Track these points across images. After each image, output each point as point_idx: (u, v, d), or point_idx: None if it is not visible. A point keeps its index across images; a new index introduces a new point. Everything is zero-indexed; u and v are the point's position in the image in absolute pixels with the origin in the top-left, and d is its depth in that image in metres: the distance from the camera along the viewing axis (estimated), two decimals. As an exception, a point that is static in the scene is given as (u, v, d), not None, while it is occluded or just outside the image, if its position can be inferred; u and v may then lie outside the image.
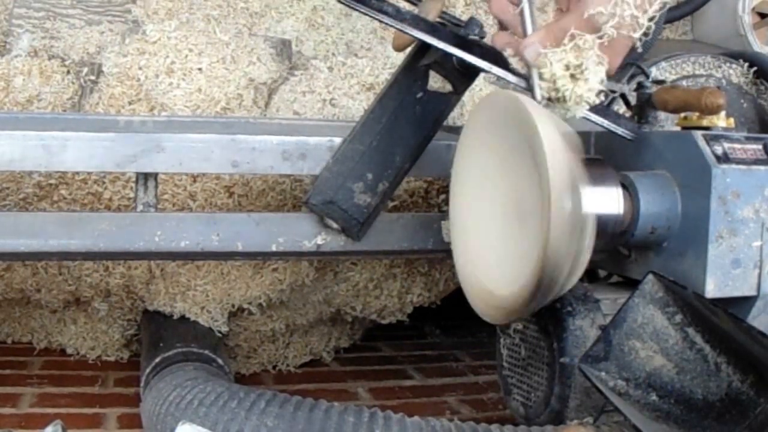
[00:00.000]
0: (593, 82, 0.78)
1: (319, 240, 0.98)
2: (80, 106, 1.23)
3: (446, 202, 1.04)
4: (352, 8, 0.83)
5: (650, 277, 0.82)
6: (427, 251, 1.04)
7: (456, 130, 0.99)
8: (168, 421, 0.86)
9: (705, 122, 0.90)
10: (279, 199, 1.16)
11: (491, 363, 1.33)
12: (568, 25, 0.77)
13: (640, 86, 0.98)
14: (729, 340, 0.78)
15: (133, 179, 0.99)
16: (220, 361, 1.09)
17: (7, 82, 1.21)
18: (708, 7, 1.72)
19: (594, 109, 0.91)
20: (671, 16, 1.68)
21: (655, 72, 1.19)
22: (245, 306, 1.24)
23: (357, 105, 1.20)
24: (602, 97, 0.82)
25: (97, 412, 1.13)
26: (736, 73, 1.26)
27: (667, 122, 1.01)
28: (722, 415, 0.77)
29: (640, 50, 0.82)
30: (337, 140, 0.97)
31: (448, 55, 0.88)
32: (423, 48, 0.93)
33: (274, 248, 0.98)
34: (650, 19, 0.76)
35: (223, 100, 1.19)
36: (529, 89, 0.81)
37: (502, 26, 0.84)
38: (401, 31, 0.85)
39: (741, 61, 1.27)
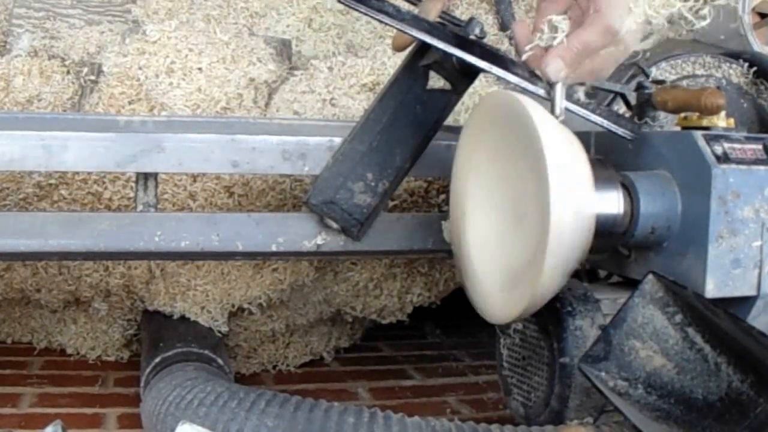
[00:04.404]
0: None
1: (319, 240, 0.98)
2: (80, 106, 1.23)
3: (446, 202, 1.04)
4: (352, 8, 0.83)
5: (650, 277, 0.82)
6: (427, 251, 1.04)
7: (456, 130, 0.99)
8: (168, 421, 0.86)
9: (705, 122, 0.90)
10: (279, 199, 1.16)
11: (491, 363, 1.33)
12: (588, 39, 0.76)
13: (640, 86, 0.98)
14: (729, 340, 0.78)
15: (133, 179, 0.99)
16: (220, 361, 1.09)
17: (7, 82, 1.21)
18: (708, 7, 1.71)
19: (594, 109, 0.91)
20: (671, 16, 1.68)
21: (655, 72, 1.19)
22: (245, 306, 1.24)
23: (357, 105, 1.20)
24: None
25: (97, 412, 1.13)
26: (736, 73, 1.26)
27: (667, 122, 1.01)
28: (722, 415, 0.77)
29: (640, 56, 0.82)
30: (337, 140, 0.97)
31: (448, 55, 0.88)
32: (423, 48, 0.93)
33: (274, 248, 0.98)
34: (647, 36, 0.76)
35: (223, 99, 1.18)
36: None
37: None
38: (401, 31, 0.85)
39: (741, 61, 1.27)
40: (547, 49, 0.80)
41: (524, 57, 0.81)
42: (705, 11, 0.76)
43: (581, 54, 0.77)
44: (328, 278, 1.28)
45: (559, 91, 0.80)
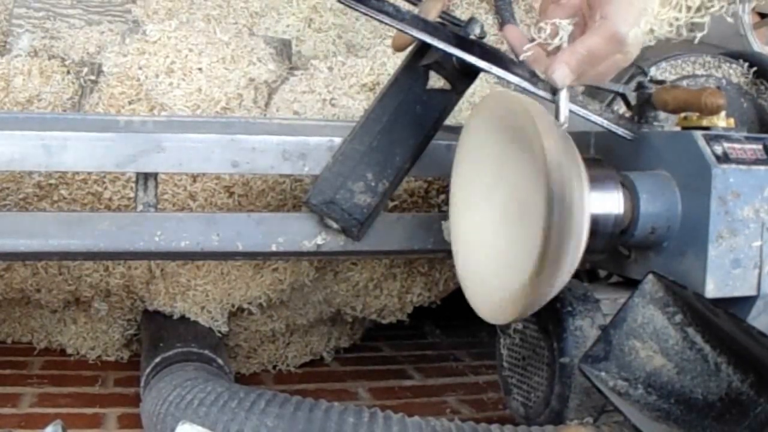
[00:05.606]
0: None
1: (319, 240, 0.98)
2: (80, 106, 1.23)
3: (446, 202, 1.04)
4: (352, 8, 0.83)
5: (650, 277, 0.82)
6: (427, 251, 1.04)
7: (456, 130, 0.99)
8: (168, 421, 0.86)
9: (705, 122, 0.90)
10: (279, 199, 1.16)
11: (491, 363, 1.33)
12: (593, 45, 0.75)
13: (640, 86, 0.98)
14: (729, 340, 0.78)
15: (133, 179, 0.99)
16: (220, 361, 1.09)
17: (7, 82, 1.21)
18: (708, 7, 1.71)
19: (594, 109, 0.91)
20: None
21: (655, 72, 1.19)
22: (245, 306, 1.24)
23: (357, 105, 1.20)
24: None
25: (97, 412, 1.13)
26: (736, 73, 1.26)
27: (667, 122, 1.01)
28: (722, 415, 0.77)
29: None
30: (337, 140, 0.97)
31: (448, 55, 0.88)
32: (423, 48, 0.93)
33: (274, 248, 0.98)
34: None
35: (223, 99, 1.18)
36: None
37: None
38: (401, 31, 0.85)
39: (741, 61, 1.27)
40: (546, 48, 0.80)
41: (522, 57, 0.81)
42: (705, 21, 0.77)
43: (586, 60, 0.76)
44: (328, 278, 1.28)
45: (564, 98, 0.79)
